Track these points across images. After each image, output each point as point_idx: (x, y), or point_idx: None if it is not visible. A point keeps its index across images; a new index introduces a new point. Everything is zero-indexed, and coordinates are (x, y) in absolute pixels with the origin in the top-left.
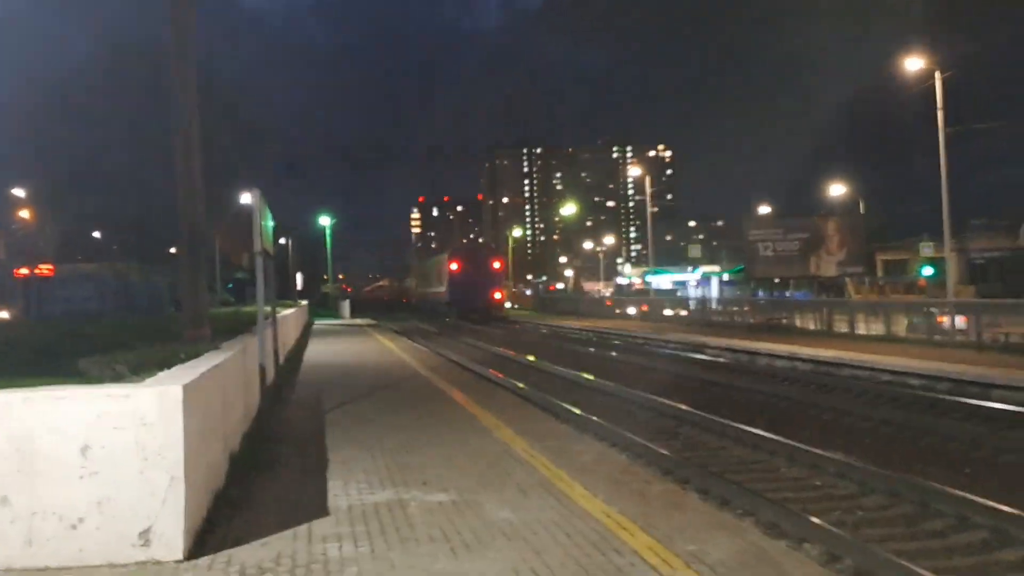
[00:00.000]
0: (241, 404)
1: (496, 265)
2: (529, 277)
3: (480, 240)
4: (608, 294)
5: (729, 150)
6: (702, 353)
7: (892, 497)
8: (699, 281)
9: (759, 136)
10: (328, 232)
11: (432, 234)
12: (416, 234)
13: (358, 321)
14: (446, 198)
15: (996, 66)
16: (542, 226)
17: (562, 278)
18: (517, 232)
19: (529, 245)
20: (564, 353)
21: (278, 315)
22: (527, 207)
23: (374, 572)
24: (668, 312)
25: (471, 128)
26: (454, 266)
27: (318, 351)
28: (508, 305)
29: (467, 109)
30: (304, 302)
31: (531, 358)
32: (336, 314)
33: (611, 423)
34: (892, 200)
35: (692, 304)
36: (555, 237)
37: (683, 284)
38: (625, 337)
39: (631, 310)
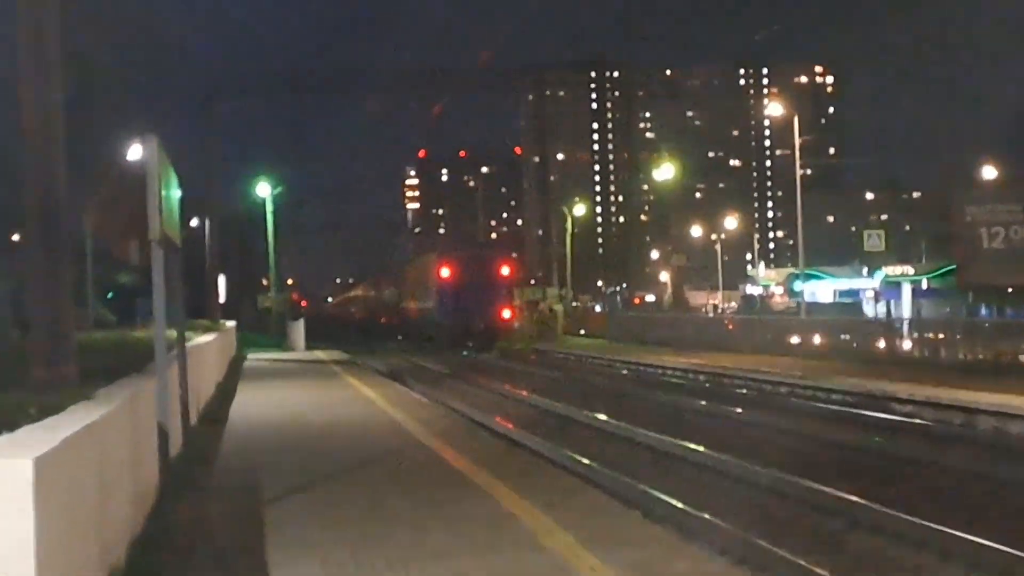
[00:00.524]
0: (129, 488)
1: (504, 271)
2: (599, 284)
3: (518, 223)
4: (730, 312)
5: (928, 73)
6: (886, 410)
7: None
8: (880, 291)
9: (975, 50)
10: (269, 209)
11: (439, 211)
12: (413, 211)
13: (319, 355)
14: (462, 152)
15: None
16: (620, 199)
17: (654, 286)
18: (580, 209)
19: (599, 231)
20: (654, 409)
21: (189, 344)
22: (596, 167)
23: None
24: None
25: (501, 42)
26: (444, 272)
27: (254, 404)
28: (575, 331)
29: (492, 10)
30: (231, 323)
31: (602, 416)
32: (282, 343)
33: (733, 523)
34: None
35: (869, 328)
36: (643, 217)
37: (854, 295)
38: (758, 383)
39: (793, 339)
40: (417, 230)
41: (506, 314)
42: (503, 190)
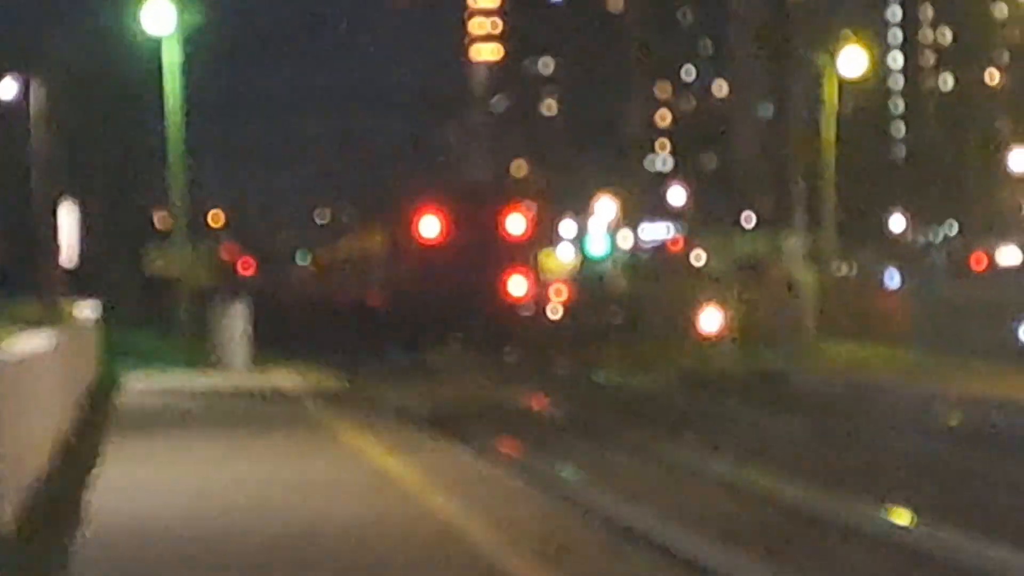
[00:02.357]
0: None
1: (515, 224)
2: (891, 225)
3: (717, 88)
4: None
5: None
6: None
7: None
8: None
9: None
10: (170, 59)
11: (545, 62)
12: (487, 65)
13: (280, 379)
14: None
15: None
16: (941, 37)
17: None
18: (853, 58)
19: (896, 109)
20: None
21: None
22: None
23: None
24: None
25: None
26: (429, 226)
27: (142, 490)
28: (841, 326)
29: None
30: (88, 307)
31: (899, 521)
32: (199, 352)
33: None
34: None
35: None
36: (991, 79)
37: None
38: None
39: None
40: (497, 101)
41: (518, 286)
42: (684, 15)
